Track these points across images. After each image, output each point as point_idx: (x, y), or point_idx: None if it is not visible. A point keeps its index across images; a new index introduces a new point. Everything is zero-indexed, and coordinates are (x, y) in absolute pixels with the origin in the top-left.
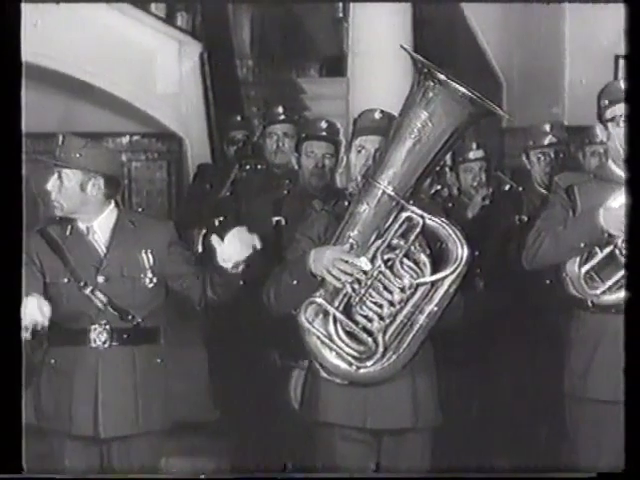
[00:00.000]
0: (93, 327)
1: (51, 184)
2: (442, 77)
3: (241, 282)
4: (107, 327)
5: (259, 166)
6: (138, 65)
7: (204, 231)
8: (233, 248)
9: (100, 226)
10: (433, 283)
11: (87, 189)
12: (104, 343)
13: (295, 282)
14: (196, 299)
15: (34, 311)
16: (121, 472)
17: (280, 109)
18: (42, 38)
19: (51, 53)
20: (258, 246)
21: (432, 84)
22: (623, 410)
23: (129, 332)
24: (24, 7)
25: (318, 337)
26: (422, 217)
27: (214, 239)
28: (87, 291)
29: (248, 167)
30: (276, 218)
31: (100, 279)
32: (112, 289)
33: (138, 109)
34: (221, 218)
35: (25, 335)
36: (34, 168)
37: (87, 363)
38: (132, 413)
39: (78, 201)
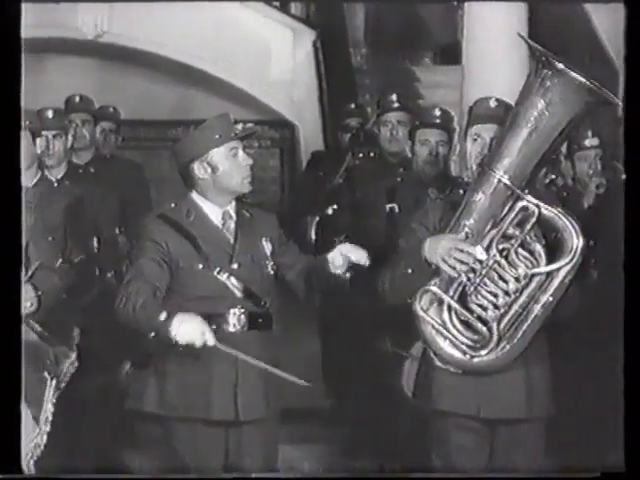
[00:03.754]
0: (233, 312)
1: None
2: (560, 66)
3: (348, 284)
4: (244, 312)
5: (372, 154)
6: (252, 53)
7: (317, 219)
8: (344, 259)
9: (233, 211)
10: (548, 273)
11: None
12: (243, 328)
13: (410, 271)
14: (301, 288)
15: (197, 335)
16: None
17: (394, 97)
18: (157, 27)
19: (166, 41)
20: (366, 263)
21: (550, 73)
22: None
23: (262, 317)
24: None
25: (433, 326)
26: (538, 207)
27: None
28: (224, 277)
29: (361, 155)
30: (390, 205)
31: (234, 265)
32: (245, 275)
33: (252, 96)
34: (335, 206)
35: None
36: (147, 155)
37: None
38: (263, 397)
39: None
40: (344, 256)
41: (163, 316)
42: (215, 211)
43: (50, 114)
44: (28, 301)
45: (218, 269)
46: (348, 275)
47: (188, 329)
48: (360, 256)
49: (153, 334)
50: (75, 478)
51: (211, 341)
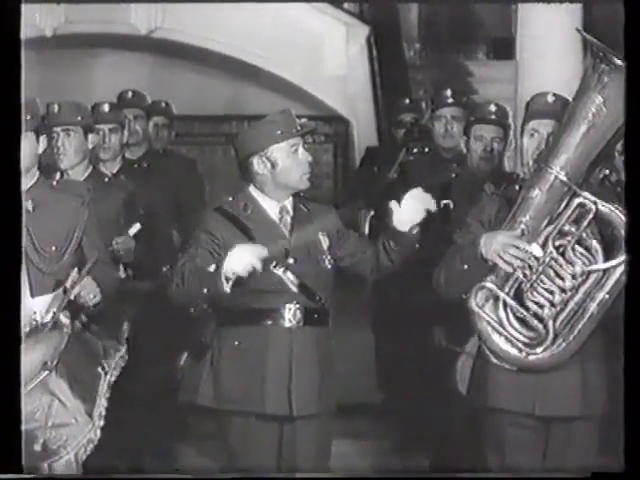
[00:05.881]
0: (288, 307)
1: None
2: (618, 61)
3: (417, 245)
4: (300, 307)
5: (426, 149)
6: (306, 48)
7: (372, 213)
8: (410, 210)
9: (290, 206)
10: (605, 270)
11: None
12: (298, 323)
13: (466, 267)
14: (367, 272)
15: (251, 257)
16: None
17: (449, 92)
18: (210, 22)
19: (219, 37)
20: (433, 208)
21: (607, 68)
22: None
23: (318, 312)
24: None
25: (488, 322)
26: (595, 203)
27: (392, 203)
28: (280, 271)
29: (415, 150)
30: (444, 201)
31: (290, 260)
32: (300, 270)
33: (305, 92)
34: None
35: (226, 289)
36: (200, 150)
37: (280, 342)
38: (317, 393)
39: None
40: (411, 202)
41: (212, 267)
42: (272, 206)
43: (106, 108)
44: (91, 293)
45: (274, 263)
46: (414, 233)
47: (240, 257)
48: (426, 200)
49: (206, 290)
50: (77, 478)
51: (264, 252)
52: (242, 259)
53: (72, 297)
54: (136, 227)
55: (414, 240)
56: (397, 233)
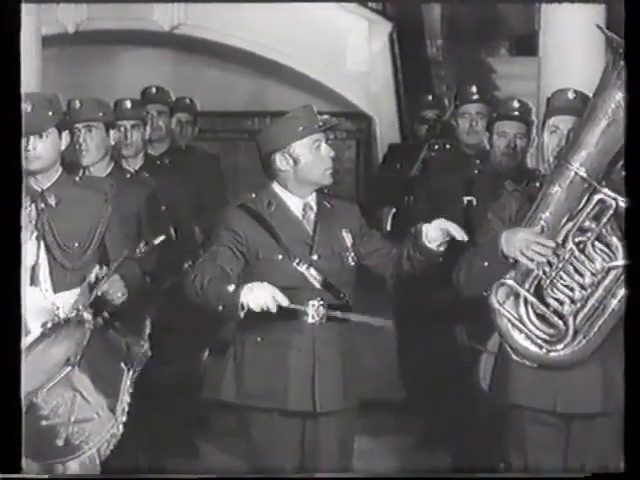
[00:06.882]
0: (311, 303)
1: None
2: None
3: (440, 259)
4: (323, 303)
5: (448, 146)
6: (328, 44)
7: (394, 210)
8: (439, 233)
9: (314, 203)
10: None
11: None
12: (321, 319)
13: (486, 264)
14: (388, 274)
15: (268, 298)
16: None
17: (474, 88)
18: (233, 19)
19: (242, 33)
20: (464, 239)
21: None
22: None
23: (342, 309)
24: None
25: (509, 319)
26: (615, 199)
27: (424, 226)
28: (303, 268)
29: (437, 147)
30: (467, 198)
31: (314, 257)
32: (324, 267)
33: (327, 88)
34: (411, 198)
35: (240, 314)
36: (223, 146)
37: (304, 339)
38: (341, 389)
39: None
40: (441, 229)
41: (232, 288)
42: (296, 202)
43: (129, 104)
44: (119, 292)
45: (298, 260)
46: (441, 249)
47: (259, 294)
48: (457, 231)
49: (222, 307)
50: (77, 478)
51: (284, 301)
52: (260, 297)
53: (99, 294)
54: (161, 238)
55: (440, 254)
56: (424, 248)
